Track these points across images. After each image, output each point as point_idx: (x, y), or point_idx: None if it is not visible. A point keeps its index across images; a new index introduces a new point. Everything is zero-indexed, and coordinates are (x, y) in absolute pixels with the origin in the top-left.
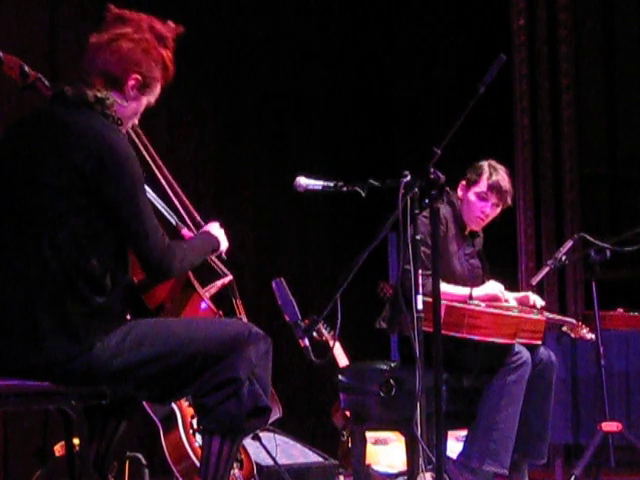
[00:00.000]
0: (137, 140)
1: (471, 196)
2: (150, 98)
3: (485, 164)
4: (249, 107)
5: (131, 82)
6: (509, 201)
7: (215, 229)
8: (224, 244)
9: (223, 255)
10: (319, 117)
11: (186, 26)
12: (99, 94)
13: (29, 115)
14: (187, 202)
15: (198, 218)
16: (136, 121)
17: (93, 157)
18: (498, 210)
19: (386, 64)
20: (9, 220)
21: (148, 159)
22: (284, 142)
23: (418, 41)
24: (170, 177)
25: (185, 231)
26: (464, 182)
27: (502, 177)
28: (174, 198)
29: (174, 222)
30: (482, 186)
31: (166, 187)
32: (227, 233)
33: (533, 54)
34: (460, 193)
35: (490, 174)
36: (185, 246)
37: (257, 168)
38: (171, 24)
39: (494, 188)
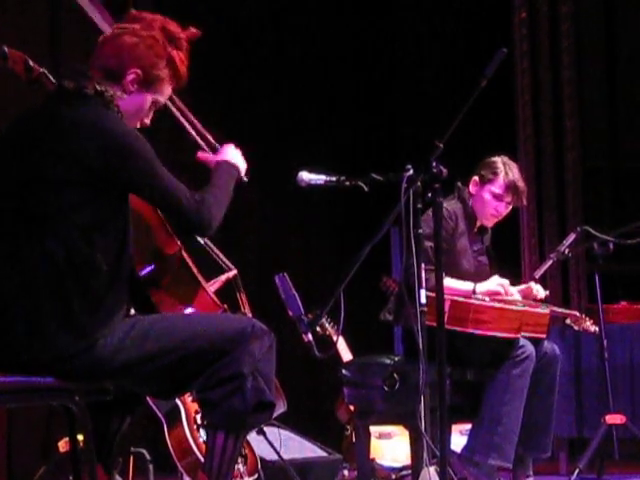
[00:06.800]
0: None
1: (486, 194)
2: (157, 97)
3: (499, 161)
4: (251, 103)
5: (130, 76)
6: (524, 201)
7: (231, 153)
8: (243, 166)
9: (244, 179)
10: (321, 112)
11: (188, 25)
12: (98, 87)
13: (29, 111)
14: (200, 126)
15: (212, 140)
16: (147, 121)
17: (96, 148)
18: (510, 207)
19: (387, 60)
20: (13, 218)
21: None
22: (287, 137)
23: (419, 35)
24: (183, 105)
25: (200, 153)
26: (477, 178)
27: (517, 176)
28: (187, 125)
29: None
30: (498, 186)
31: (179, 116)
32: (228, 217)
33: (534, 47)
34: (473, 189)
35: (506, 173)
36: (211, 191)
37: (260, 163)
38: (192, 29)
39: (510, 188)
